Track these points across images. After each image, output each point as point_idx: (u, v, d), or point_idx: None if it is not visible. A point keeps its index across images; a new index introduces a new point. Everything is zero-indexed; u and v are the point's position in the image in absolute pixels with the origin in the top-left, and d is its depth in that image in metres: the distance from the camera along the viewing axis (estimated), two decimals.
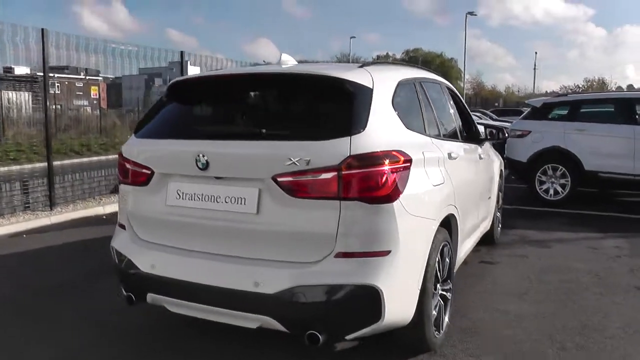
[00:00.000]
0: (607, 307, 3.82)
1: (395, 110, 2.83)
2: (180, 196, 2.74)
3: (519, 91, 64.60)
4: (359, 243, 2.42)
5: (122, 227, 3.04)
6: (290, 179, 2.44)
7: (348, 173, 2.38)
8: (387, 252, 2.44)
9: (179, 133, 2.86)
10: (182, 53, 9.57)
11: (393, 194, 2.45)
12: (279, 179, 2.46)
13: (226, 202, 2.61)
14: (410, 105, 3.20)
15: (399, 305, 2.54)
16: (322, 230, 2.43)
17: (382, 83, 2.86)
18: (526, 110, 10.13)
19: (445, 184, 3.10)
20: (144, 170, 2.86)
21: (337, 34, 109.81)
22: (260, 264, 2.51)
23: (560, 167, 7.88)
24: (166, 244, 2.80)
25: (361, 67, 2.92)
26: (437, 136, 3.41)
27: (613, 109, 7.94)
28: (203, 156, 2.59)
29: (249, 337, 3.02)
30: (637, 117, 7.60)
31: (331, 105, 2.70)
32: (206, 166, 2.59)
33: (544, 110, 8.39)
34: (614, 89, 48.25)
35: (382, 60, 31.10)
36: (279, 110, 2.99)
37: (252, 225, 2.55)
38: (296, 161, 2.41)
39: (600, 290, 4.17)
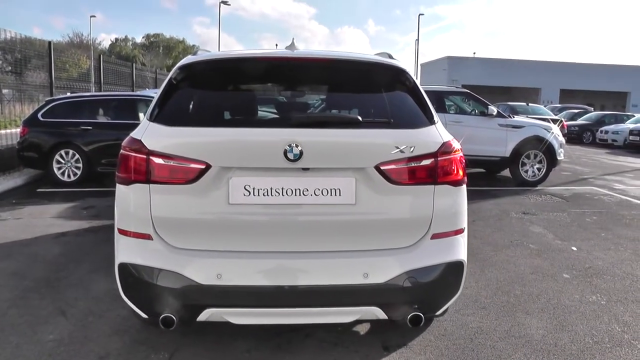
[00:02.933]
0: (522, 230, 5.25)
1: None
2: (250, 192, 2.41)
3: None
4: (447, 224, 2.58)
5: (143, 237, 2.45)
6: (394, 166, 2.45)
7: (442, 159, 2.52)
8: (463, 230, 2.68)
9: (251, 121, 2.47)
10: None
11: (464, 177, 2.67)
12: (383, 167, 2.44)
13: (316, 194, 2.42)
14: None
15: None
16: (420, 214, 2.52)
17: None
18: None
19: None
20: (194, 165, 2.38)
21: (56, 10, 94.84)
22: (365, 254, 2.45)
23: None
24: (231, 249, 2.43)
25: (391, 57, 3.00)
26: None
27: None
28: (296, 146, 2.35)
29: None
30: (446, 106, 9.25)
31: (404, 95, 2.72)
32: (299, 157, 2.36)
33: None
34: None
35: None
36: (356, 97, 2.82)
37: (349, 216, 2.45)
38: (403, 149, 2.44)
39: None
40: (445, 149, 2.54)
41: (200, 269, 2.38)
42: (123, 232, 2.50)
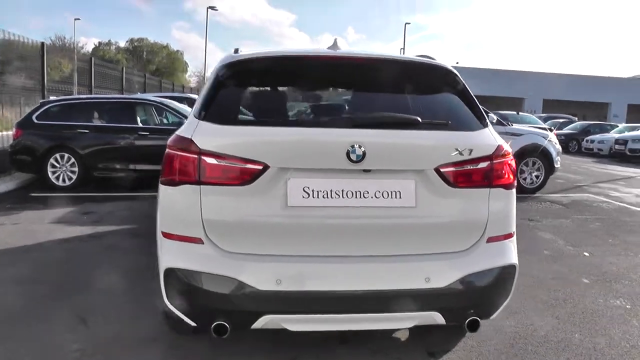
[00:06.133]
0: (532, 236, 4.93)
1: None
2: (309, 194, 2.31)
3: None
4: (501, 227, 2.54)
5: (193, 240, 2.33)
6: (453, 169, 2.41)
7: (497, 162, 2.49)
8: (514, 233, 2.64)
9: (310, 120, 2.38)
10: None
11: (514, 181, 2.63)
12: (443, 170, 2.39)
13: (376, 197, 2.35)
14: None
15: None
16: (477, 217, 2.47)
17: None
18: None
19: None
20: (251, 166, 2.28)
21: (32, 12, 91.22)
22: (426, 258, 2.38)
23: None
24: (290, 254, 2.32)
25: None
26: None
27: None
28: (360, 147, 2.27)
29: None
30: None
31: (456, 97, 2.67)
32: (361, 158, 2.28)
33: None
34: None
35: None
36: (411, 98, 2.75)
37: (410, 219, 2.39)
38: (462, 151, 2.39)
39: None
40: (499, 152, 2.50)
41: (258, 274, 2.27)
42: (168, 235, 2.38)
